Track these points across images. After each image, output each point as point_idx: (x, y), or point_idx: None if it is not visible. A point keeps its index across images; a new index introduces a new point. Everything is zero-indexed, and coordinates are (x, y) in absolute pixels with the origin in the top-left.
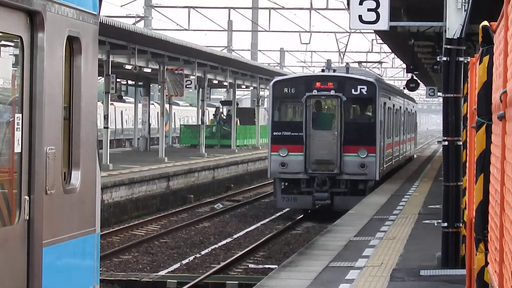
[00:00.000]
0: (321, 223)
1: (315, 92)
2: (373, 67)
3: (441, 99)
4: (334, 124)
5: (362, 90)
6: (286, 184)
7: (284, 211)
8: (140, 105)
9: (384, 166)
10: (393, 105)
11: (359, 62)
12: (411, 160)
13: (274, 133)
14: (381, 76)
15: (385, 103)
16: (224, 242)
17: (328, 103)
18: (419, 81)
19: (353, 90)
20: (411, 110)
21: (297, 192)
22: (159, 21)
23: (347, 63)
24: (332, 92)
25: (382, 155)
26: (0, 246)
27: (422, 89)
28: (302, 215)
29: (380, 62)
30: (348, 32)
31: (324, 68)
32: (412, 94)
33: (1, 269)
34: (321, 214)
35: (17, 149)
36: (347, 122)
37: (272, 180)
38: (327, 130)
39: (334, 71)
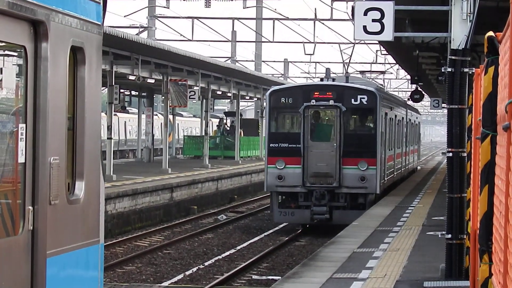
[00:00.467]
0: (320, 238)
1: (313, 102)
2: (377, 78)
3: (445, 111)
4: (333, 135)
5: (362, 99)
6: (283, 197)
7: (284, 224)
8: (143, 116)
9: (385, 179)
10: (395, 116)
11: (361, 72)
12: (414, 172)
13: (271, 145)
14: (384, 87)
15: (386, 114)
16: (227, 253)
17: (327, 114)
18: (423, 92)
19: (352, 100)
20: (414, 121)
21: (295, 206)
22: (163, 31)
23: (347, 72)
24: (331, 102)
25: (383, 168)
26: (4, 256)
27: (427, 100)
28: (300, 230)
29: (383, 72)
30: (353, 43)
31: (323, 77)
32: (416, 105)
33: (5, 279)
34: (320, 229)
35: (21, 159)
36: (346, 133)
37: (269, 194)
38: (326, 141)
39: (333, 80)
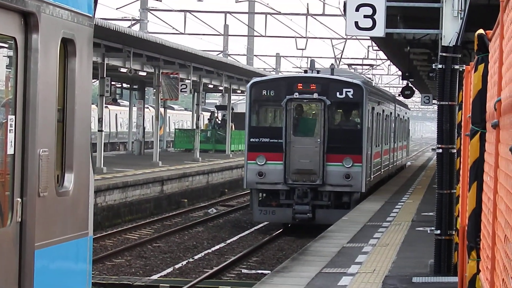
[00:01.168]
0: (302, 238)
1: (296, 95)
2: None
3: (436, 107)
4: (317, 130)
5: (348, 93)
6: (264, 195)
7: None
8: (134, 109)
9: (372, 176)
10: (383, 111)
11: (349, 65)
12: (403, 169)
13: (251, 140)
14: (372, 81)
15: (373, 108)
16: (217, 247)
17: (310, 107)
18: (414, 88)
19: (338, 93)
20: (403, 116)
21: (276, 204)
22: (155, 24)
23: (332, 64)
24: (315, 95)
25: (369, 165)
26: None
27: (417, 96)
28: (281, 230)
29: (371, 66)
30: (344, 38)
31: (307, 69)
32: (407, 101)
33: None
34: (302, 228)
35: (10, 151)
36: (331, 128)
37: (249, 191)
38: (309, 136)
39: (318, 72)
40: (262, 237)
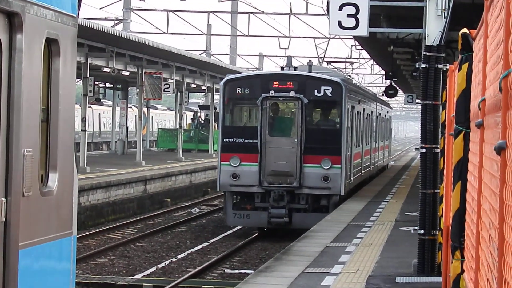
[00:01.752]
0: (278, 243)
1: (272, 93)
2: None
3: (419, 106)
4: (294, 130)
5: (326, 91)
6: (238, 198)
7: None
8: (118, 108)
9: (352, 178)
10: (363, 110)
11: (328, 62)
12: (385, 169)
13: (225, 140)
14: (352, 78)
15: (353, 107)
16: (200, 246)
17: (287, 106)
18: (397, 87)
19: (316, 91)
20: (385, 115)
21: (251, 207)
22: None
23: (310, 61)
24: (292, 93)
25: (349, 166)
26: None
27: (401, 96)
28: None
29: (351, 63)
30: (328, 38)
31: (284, 66)
32: (390, 100)
33: None
34: (279, 232)
35: None
36: (308, 128)
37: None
38: (286, 137)
39: (295, 69)
40: (245, 237)
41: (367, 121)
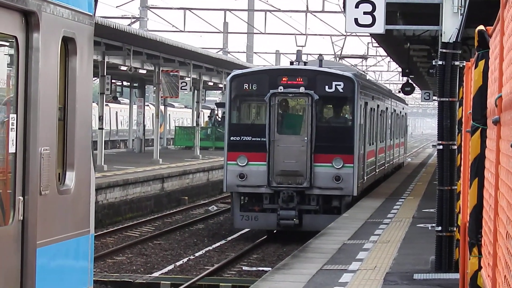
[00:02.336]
0: (296, 240)
1: (281, 88)
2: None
3: (436, 103)
4: (304, 127)
5: (337, 87)
6: (246, 199)
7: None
8: (135, 107)
9: (365, 178)
10: (377, 106)
11: (341, 58)
12: (400, 167)
13: (232, 138)
14: (366, 73)
15: (366, 103)
16: (218, 244)
17: (296, 102)
18: (414, 84)
19: (327, 87)
20: (400, 112)
21: (259, 209)
22: (155, 22)
23: (320, 55)
24: (302, 89)
25: (362, 165)
26: None
27: (418, 92)
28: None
29: (364, 58)
30: (344, 35)
31: (294, 60)
32: (407, 97)
33: None
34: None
35: (12, 149)
36: (319, 125)
37: (229, 194)
38: (295, 135)
39: (305, 64)
40: (262, 234)
41: (382, 118)
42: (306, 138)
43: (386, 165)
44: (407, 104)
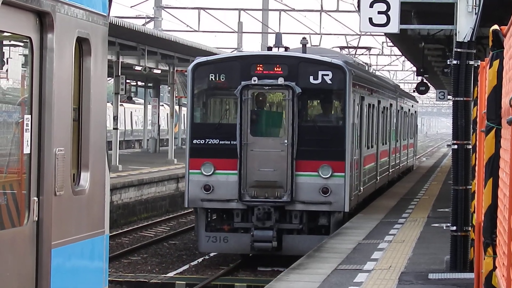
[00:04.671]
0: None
1: (255, 80)
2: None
3: (451, 102)
4: (283, 128)
5: (325, 77)
6: (212, 216)
7: None
8: (149, 106)
9: (362, 188)
10: (378, 102)
11: (341, 47)
12: (409, 172)
13: (195, 142)
14: (367, 64)
15: (362, 98)
16: None
17: (274, 97)
18: (429, 84)
19: (311, 77)
20: (409, 110)
21: (229, 229)
22: (169, 22)
23: (304, 38)
24: (281, 80)
25: (357, 174)
26: (9, 247)
27: (432, 92)
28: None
29: (368, 49)
30: (359, 35)
31: (272, 46)
32: (422, 96)
33: (9, 270)
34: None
35: (26, 150)
36: (302, 125)
37: (192, 210)
38: (273, 137)
39: (286, 49)
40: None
41: (384, 116)
42: (286, 141)
43: (390, 171)
44: (417, 101)
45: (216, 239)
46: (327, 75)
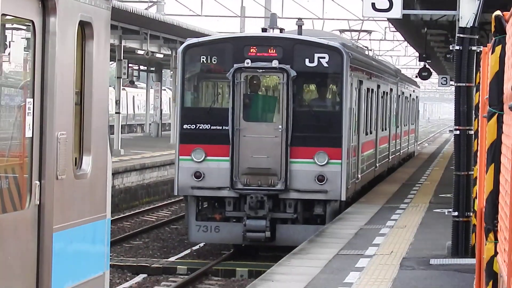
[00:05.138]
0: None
1: (248, 62)
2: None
3: (453, 88)
4: (278, 113)
5: (321, 60)
6: (203, 205)
7: None
8: (152, 91)
9: (359, 175)
10: (378, 87)
11: (340, 31)
12: (410, 158)
13: (185, 127)
14: (366, 48)
15: (361, 82)
16: None
17: (268, 81)
18: (431, 69)
19: (307, 60)
20: (410, 95)
21: (220, 217)
22: (172, 6)
23: (300, 19)
24: (275, 63)
25: (354, 161)
26: (11, 230)
27: (435, 77)
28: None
29: (369, 32)
30: (361, 20)
31: (267, 27)
32: (424, 82)
33: (11, 253)
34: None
35: (28, 133)
36: (298, 110)
37: (182, 198)
38: (267, 122)
39: (281, 31)
40: None
41: (384, 101)
42: (280, 127)
43: (390, 157)
44: (418, 86)
45: (207, 229)
46: (324, 57)
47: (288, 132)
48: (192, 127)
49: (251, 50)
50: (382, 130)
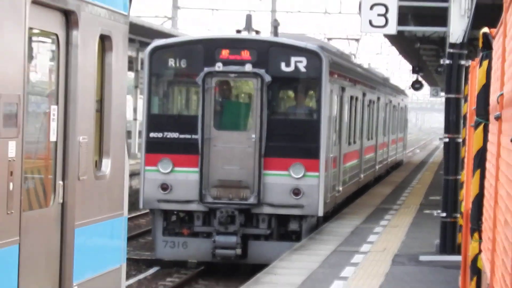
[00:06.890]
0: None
1: (219, 66)
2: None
3: (443, 99)
4: (251, 121)
5: (298, 64)
6: (170, 219)
7: None
8: None
9: (340, 188)
10: (363, 95)
11: (329, 39)
12: (398, 166)
13: (151, 135)
14: (352, 54)
15: (343, 89)
16: None
17: (241, 86)
18: (423, 81)
19: (283, 64)
20: (399, 104)
21: (188, 233)
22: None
23: (275, 20)
24: (248, 67)
25: (334, 173)
26: (36, 226)
27: (427, 89)
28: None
29: (356, 40)
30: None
31: (242, 29)
32: (417, 93)
33: (37, 247)
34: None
35: (53, 138)
36: (272, 118)
37: (148, 211)
38: (239, 131)
39: (257, 33)
40: None
41: (371, 109)
42: (254, 136)
43: (377, 167)
44: (406, 95)
45: (174, 244)
46: (301, 61)
47: (262, 142)
48: (159, 136)
49: (223, 53)
50: (368, 140)
